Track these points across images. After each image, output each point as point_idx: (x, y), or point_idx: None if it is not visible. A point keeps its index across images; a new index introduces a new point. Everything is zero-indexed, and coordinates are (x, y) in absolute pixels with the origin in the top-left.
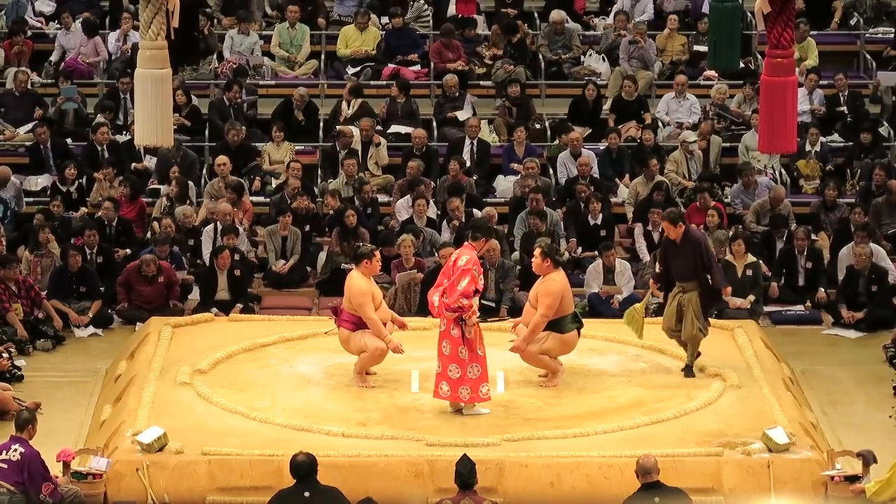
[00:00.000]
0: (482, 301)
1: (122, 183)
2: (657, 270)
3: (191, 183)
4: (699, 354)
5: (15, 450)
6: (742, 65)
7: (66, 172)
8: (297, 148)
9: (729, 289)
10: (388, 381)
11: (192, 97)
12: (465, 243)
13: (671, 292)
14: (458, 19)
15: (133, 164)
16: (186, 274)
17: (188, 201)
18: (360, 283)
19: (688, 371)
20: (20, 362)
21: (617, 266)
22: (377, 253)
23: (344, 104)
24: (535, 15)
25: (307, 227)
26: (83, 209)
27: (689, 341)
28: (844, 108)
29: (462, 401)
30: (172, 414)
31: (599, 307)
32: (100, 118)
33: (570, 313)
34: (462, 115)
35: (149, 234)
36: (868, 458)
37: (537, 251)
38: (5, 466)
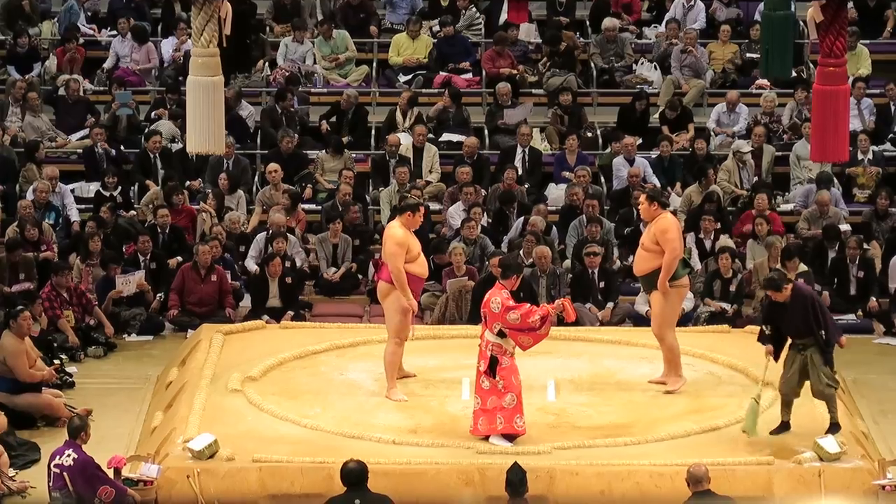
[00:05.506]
0: None
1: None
2: (767, 332)
3: (241, 191)
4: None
5: (69, 455)
6: (794, 74)
7: (107, 180)
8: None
9: (843, 339)
10: (439, 388)
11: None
12: (497, 283)
13: (788, 352)
14: (509, 26)
15: (188, 182)
16: (234, 280)
17: (225, 209)
18: (396, 233)
19: (834, 428)
20: (72, 369)
21: None
22: (422, 210)
23: (399, 115)
24: (587, 23)
25: (357, 242)
26: (132, 212)
27: (821, 398)
28: None
29: (497, 430)
30: (223, 421)
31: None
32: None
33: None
34: (515, 117)
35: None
36: None
37: (643, 197)
38: (58, 471)
